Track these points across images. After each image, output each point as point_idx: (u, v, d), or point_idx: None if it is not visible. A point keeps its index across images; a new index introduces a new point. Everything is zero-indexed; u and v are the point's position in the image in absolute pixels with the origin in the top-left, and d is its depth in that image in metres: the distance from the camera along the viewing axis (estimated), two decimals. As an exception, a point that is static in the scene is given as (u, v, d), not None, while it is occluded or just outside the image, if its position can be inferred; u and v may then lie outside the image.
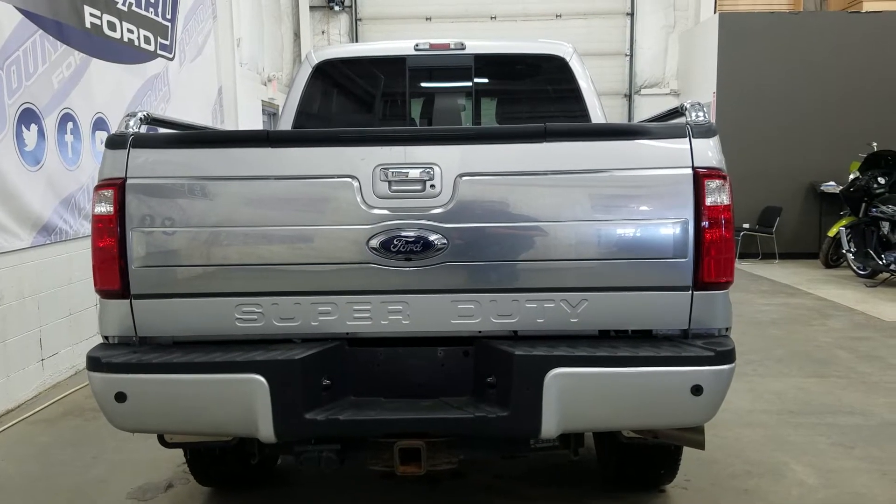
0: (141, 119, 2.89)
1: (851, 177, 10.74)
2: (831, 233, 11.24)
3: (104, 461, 4.38)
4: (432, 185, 2.73)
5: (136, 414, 2.71)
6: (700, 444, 3.03)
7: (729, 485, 4.02)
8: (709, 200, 2.70)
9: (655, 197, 2.73)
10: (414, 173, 2.73)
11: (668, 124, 2.82)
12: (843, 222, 10.85)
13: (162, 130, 3.22)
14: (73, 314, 6.09)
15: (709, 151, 2.73)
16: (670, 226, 2.71)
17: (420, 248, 2.71)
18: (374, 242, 2.71)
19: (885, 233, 10.01)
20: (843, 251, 10.74)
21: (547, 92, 5.32)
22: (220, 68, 10.00)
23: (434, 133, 2.88)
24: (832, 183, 12.04)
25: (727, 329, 2.84)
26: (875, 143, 10.97)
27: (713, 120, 12.63)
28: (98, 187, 2.77)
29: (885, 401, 5.36)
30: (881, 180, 10.24)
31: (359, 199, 2.73)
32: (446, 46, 5.01)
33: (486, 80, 5.27)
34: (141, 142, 2.78)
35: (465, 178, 2.73)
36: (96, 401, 2.74)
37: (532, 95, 5.44)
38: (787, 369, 6.19)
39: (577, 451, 3.04)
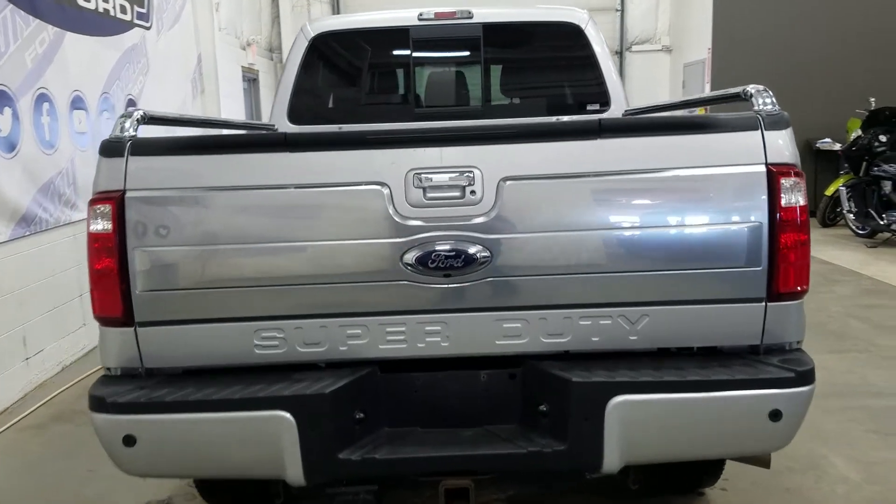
0: (138, 119, 2.53)
1: (853, 135, 10.50)
2: (829, 192, 11.02)
3: (101, 475, 4.07)
4: (472, 191, 2.42)
5: (148, 458, 2.41)
6: (766, 463, 2.80)
7: (770, 484, 3.80)
8: (784, 201, 2.41)
9: (725, 198, 2.44)
10: (452, 178, 2.41)
11: (737, 115, 2.51)
12: (841, 181, 10.63)
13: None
14: (56, 307, 5.74)
15: (783, 144, 2.44)
16: (742, 231, 2.42)
17: (460, 262, 2.40)
18: (409, 257, 2.41)
19: (887, 192, 9.80)
20: (844, 211, 10.53)
21: (561, 61, 5.01)
22: (198, 35, 9.53)
23: (473, 132, 2.56)
24: (828, 140, 11.80)
25: (799, 342, 2.59)
26: (873, 100, 10.71)
27: (708, 77, 12.36)
28: (93, 201, 2.43)
29: (913, 379, 5.18)
30: (882, 138, 9.99)
31: (390, 208, 2.41)
32: (452, 15, 4.68)
33: (496, 51, 4.92)
34: (141, 148, 2.44)
35: (509, 182, 2.42)
36: (101, 444, 2.43)
37: (545, 65, 5.12)
38: (804, 344, 5.97)
39: (637, 481, 2.78)
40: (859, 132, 10.36)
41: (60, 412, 5.05)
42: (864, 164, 10.17)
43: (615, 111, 4.72)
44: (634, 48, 14.83)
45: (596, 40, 4.73)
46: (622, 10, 14.79)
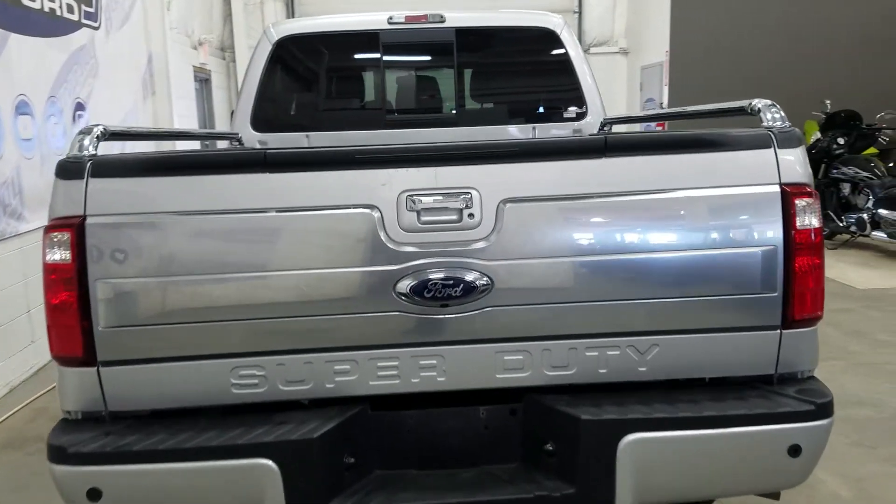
0: (98, 136, 2.28)
1: (813, 138, 10.55)
2: (787, 194, 11.06)
3: (56, 510, 3.81)
4: (470, 215, 2.23)
5: None
6: (776, 495, 2.66)
7: (760, 502, 3.69)
8: (799, 222, 2.27)
9: (737, 221, 2.29)
10: (448, 200, 2.22)
11: (749, 132, 2.37)
12: (800, 183, 10.67)
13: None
14: (3, 325, 5.40)
15: (796, 163, 2.30)
16: (756, 254, 2.27)
17: (458, 291, 2.21)
18: (403, 286, 2.21)
19: (846, 194, 9.88)
20: (803, 213, 10.58)
21: (536, 66, 4.84)
22: (149, 34, 9.14)
23: (471, 150, 2.36)
24: (786, 142, 11.85)
25: (811, 370, 2.45)
26: (828, 102, 10.79)
27: (666, 80, 12.34)
28: (49, 228, 2.18)
29: (890, 387, 5.14)
30: (840, 141, 10.07)
31: (382, 233, 2.21)
32: (423, 19, 4.47)
33: (469, 56, 4.73)
34: (103, 168, 2.19)
35: (509, 204, 2.23)
36: (62, 498, 2.18)
37: (520, 71, 4.94)
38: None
39: None
40: (818, 135, 10.41)
41: (10, 438, 4.73)
42: (823, 166, 10.22)
43: (592, 119, 4.58)
44: (592, 50, 14.73)
45: (571, 45, 4.58)
46: (580, 13, 14.69)
